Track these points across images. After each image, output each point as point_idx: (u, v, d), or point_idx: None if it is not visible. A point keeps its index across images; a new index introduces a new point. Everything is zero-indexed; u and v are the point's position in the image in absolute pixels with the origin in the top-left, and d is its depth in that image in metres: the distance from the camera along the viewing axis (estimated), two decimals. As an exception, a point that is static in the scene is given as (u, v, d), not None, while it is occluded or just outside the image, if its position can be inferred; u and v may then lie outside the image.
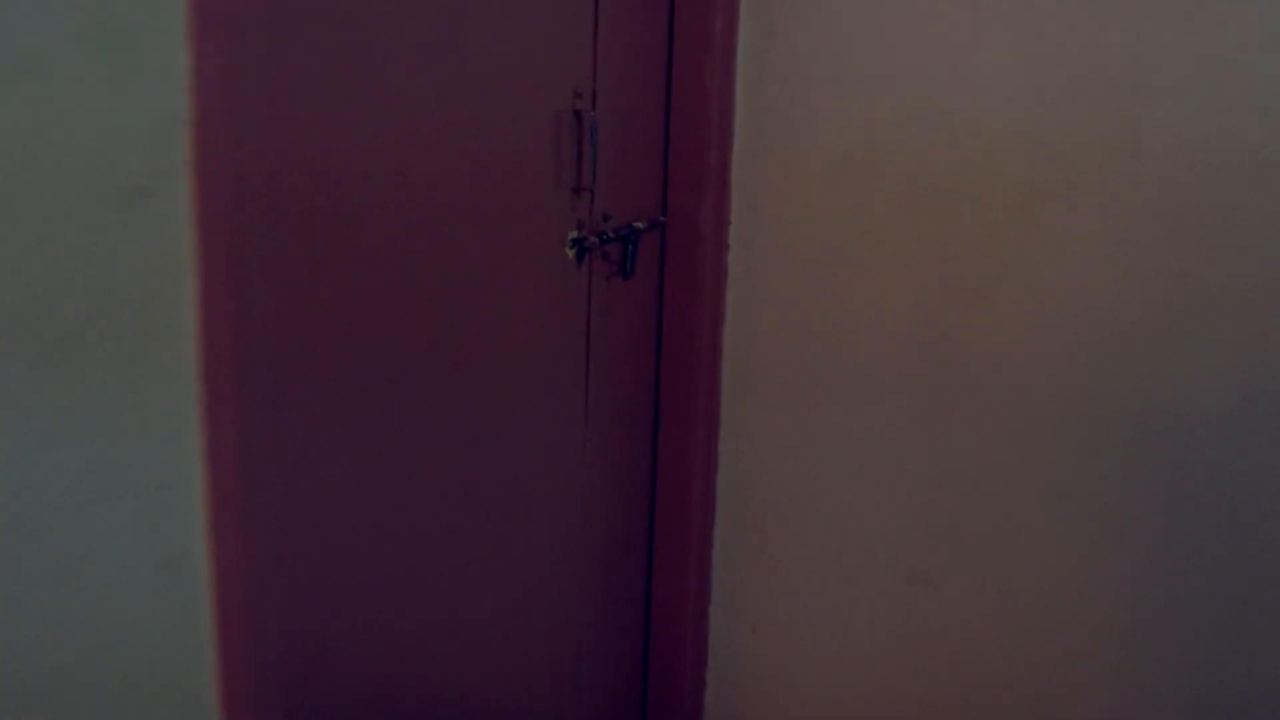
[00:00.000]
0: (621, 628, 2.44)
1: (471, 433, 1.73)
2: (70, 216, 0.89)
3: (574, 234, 1.94)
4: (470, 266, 1.66)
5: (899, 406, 2.33)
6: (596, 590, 2.27)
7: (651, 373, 2.40)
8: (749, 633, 2.58)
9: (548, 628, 2.09)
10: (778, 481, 2.47)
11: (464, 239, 1.64)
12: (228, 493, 1.09)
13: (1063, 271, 2.17)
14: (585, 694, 2.26)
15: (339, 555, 1.46)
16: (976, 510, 2.33)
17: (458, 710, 1.78)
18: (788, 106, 2.30)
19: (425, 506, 1.65)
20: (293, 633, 1.33)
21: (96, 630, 0.99)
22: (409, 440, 1.59)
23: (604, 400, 2.16)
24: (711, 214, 2.32)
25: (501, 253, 1.74)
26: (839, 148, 2.26)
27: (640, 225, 2.14)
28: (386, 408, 1.53)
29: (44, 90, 0.86)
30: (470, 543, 1.77)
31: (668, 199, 2.34)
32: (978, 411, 2.28)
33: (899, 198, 2.24)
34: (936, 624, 2.39)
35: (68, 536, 0.94)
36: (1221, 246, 2.04)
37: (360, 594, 1.51)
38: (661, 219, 2.29)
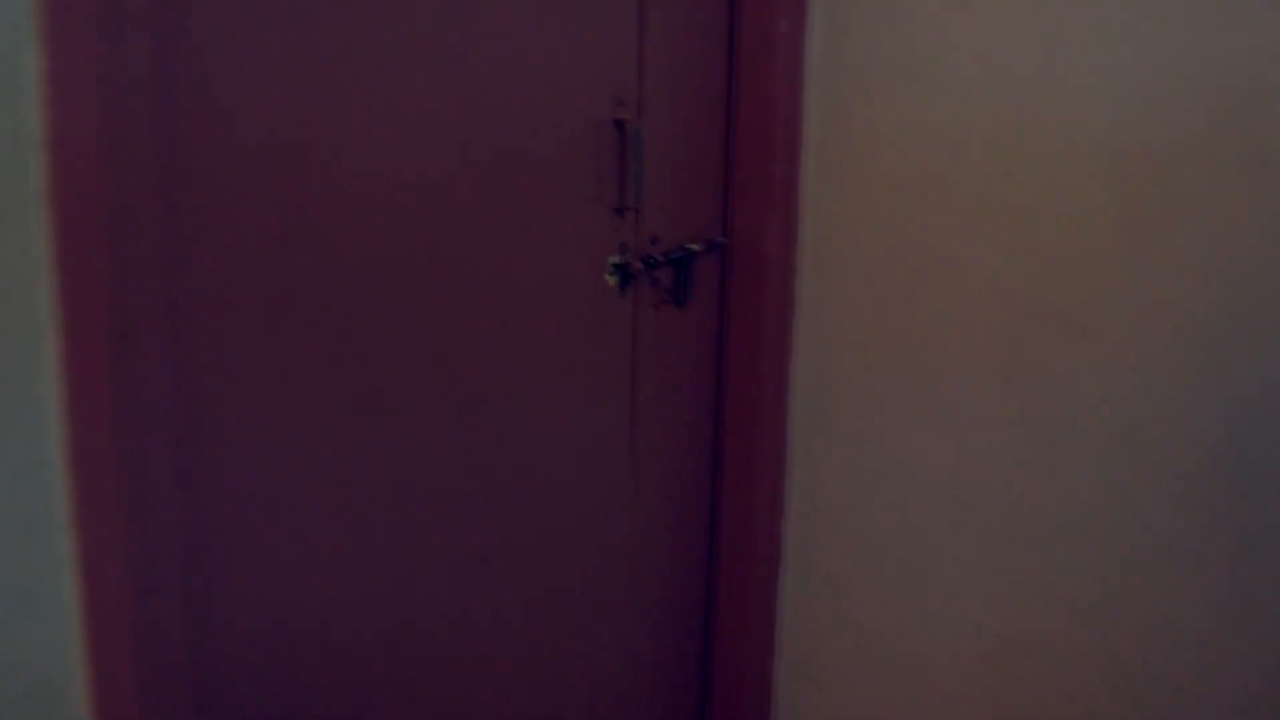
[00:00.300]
0: (676, 688, 2.23)
1: (492, 481, 1.54)
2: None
3: (615, 259, 1.74)
4: (491, 295, 1.47)
5: (986, 448, 2.09)
6: (646, 651, 2.06)
7: (710, 410, 2.19)
8: (816, 692, 2.35)
9: (592, 689, 1.89)
10: (852, 529, 2.24)
11: (482, 265, 1.45)
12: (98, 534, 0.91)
13: (1172, 300, 1.91)
14: (635, 764, 2.05)
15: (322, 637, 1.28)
16: (1075, 566, 2.07)
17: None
18: (863, 114, 2.07)
19: (436, 564, 1.46)
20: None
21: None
22: (416, 501, 1.40)
23: (652, 442, 1.95)
24: (778, 234, 2.11)
25: (528, 280, 1.55)
26: (920, 160, 2.04)
27: (695, 247, 1.94)
28: (387, 465, 1.35)
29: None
30: (494, 605, 1.58)
31: (729, 218, 2.13)
32: (1074, 455, 2.02)
33: (987, 216, 2.00)
34: (1029, 692, 2.13)
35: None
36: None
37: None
38: (722, 240, 2.08)
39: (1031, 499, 2.06)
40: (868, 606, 2.25)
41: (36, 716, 0.89)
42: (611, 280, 1.73)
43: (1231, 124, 1.82)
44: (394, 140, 1.28)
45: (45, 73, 0.79)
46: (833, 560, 2.27)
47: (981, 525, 2.12)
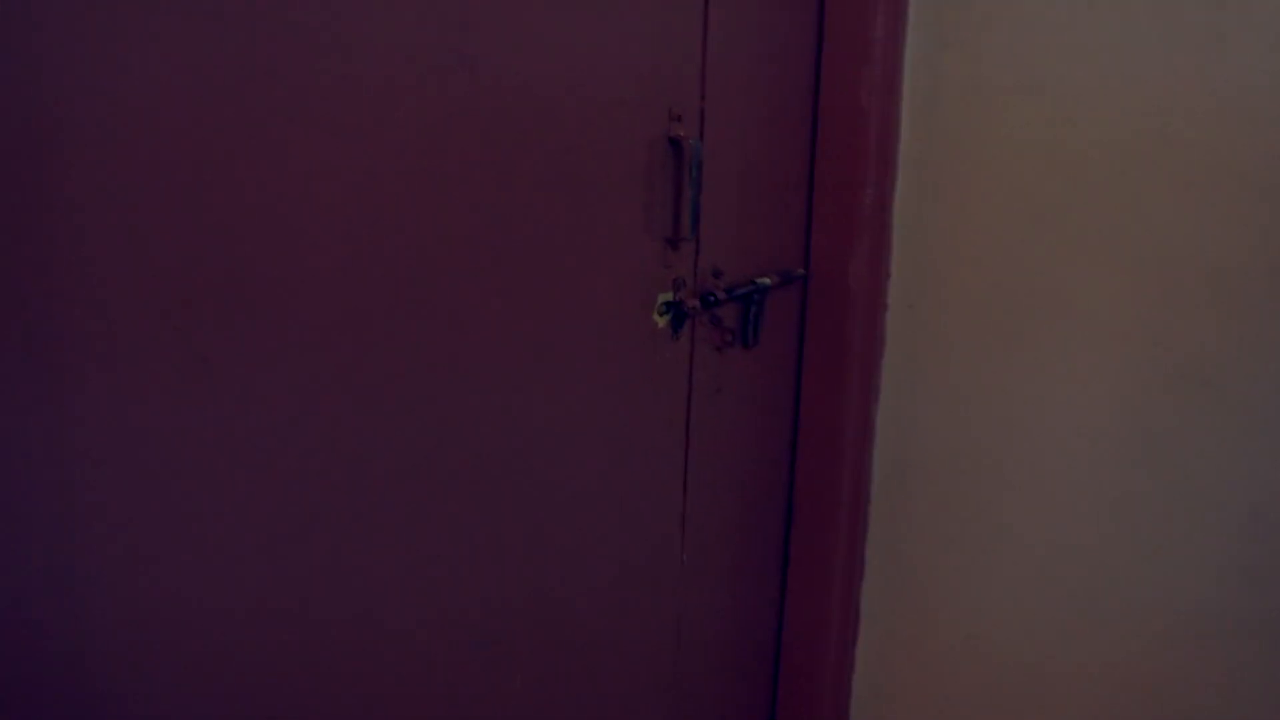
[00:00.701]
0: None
1: (513, 558, 1.32)
2: None
3: (667, 296, 1.51)
4: (513, 340, 1.25)
5: (1099, 526, 1.81)
6: (702, 731, 1.83)
7: (782, 464, 1.94)
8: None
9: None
10: (938, 601, 1.97)
11: (502, 306, 1.23)
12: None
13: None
14: None
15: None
16: (1201, 661, 1.78)
17: None
18: (967, 132, 1.81)
19: (442, 657, 1.24)
20: None
21: None
22: (433, 565, 1.19)
23: (709, 500, 1.71)
24: (866, 265, 1.85)
25: (558, 323, 1.32)
26: (1033, 185, 1.76)
27: (766, 281, 1.69)
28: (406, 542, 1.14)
29: None
30: (516, 680, 1.36)
31: (810, 247, 1.88)
32: (1206, 542, 1.73)
33: (1112, 254, 1.72)
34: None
35: None
36: None
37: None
38: (800, 272, 1.83)
39: (1152, 586, 1.78)
40: (958, 684, 1.98)
41: None
42: (661, 321, 1.50)
43: None
44: (395, 156, 1.07)
45: None
46: (915, 631, 2.00)
47: (1088, 607, 1.83)
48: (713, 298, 1.57)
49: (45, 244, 0.80)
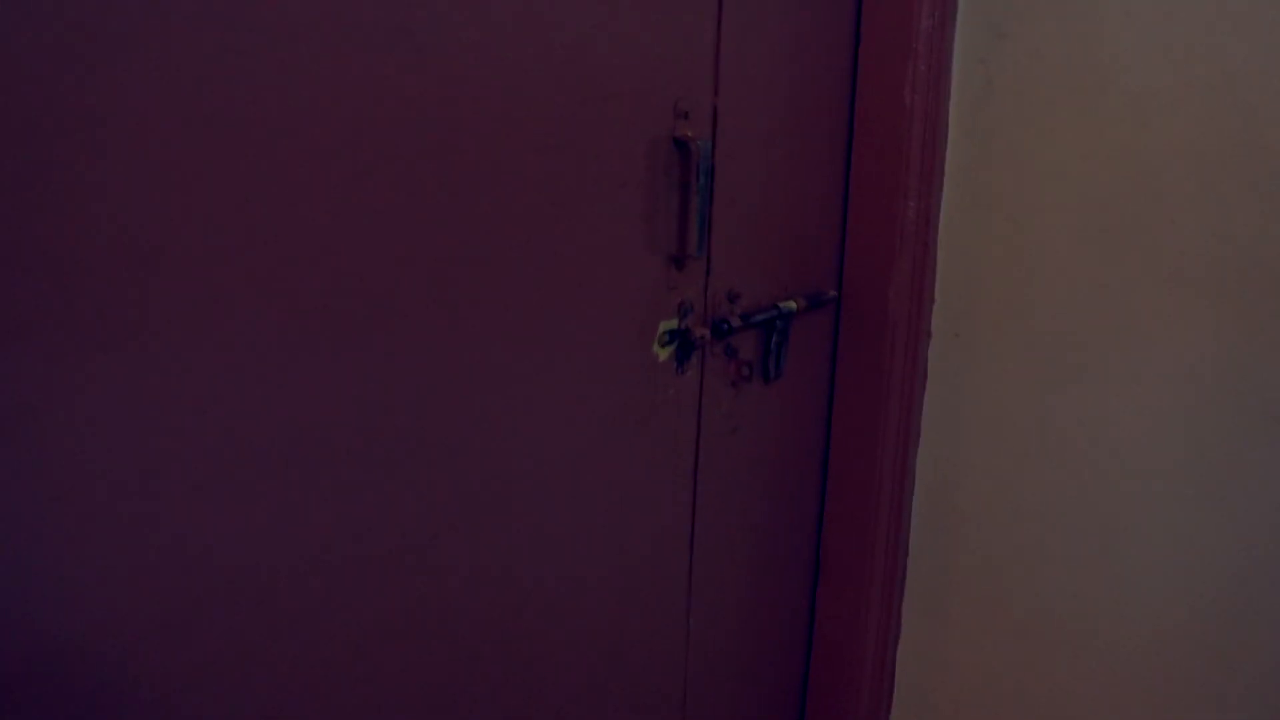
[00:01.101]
0: None
1: (494, 627, 1.10)
2: None
3: (670, 324, 1.28)
4: (486, 379, 1.03)
5: (1167, 590, 1.56)
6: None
7: (808, 514, 1.70)
8: None
9: None
10: (981, 667, 1.73)
11: (471, 338, 1.01)
12: None
13: None
14: None
15: None
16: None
17: None
18: (1025, 136, 1.57)
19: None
20: None
21: None
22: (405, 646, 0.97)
23: (720, 561, 1.48)
24: (906, 287, 1.62)
25: (539, 358, 1.10)
26: (1101, 196, 1.52)
27: (791, 306, 1.46)
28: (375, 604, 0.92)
29: None
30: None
31: (844, 266, 1.65)
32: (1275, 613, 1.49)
33: (1189, 276, 1.47)
34: None
35: None
36: None
37: None
38: (832, 294, 1.60)
39: (1232, 669, 1.53)
40: (1007, 770, 1.74)
41: None
42: (664, 353, 1.27)
43: None
44: (341, 153, 0.85)
45: None
46: (954, 701, 1.76)
47: (1152, 679, 1.59)
48: (726, 325, 1.34)
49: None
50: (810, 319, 1.58)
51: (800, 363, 1.57)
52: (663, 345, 1.27)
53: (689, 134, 1.23)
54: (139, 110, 0.72)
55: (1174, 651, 1.57)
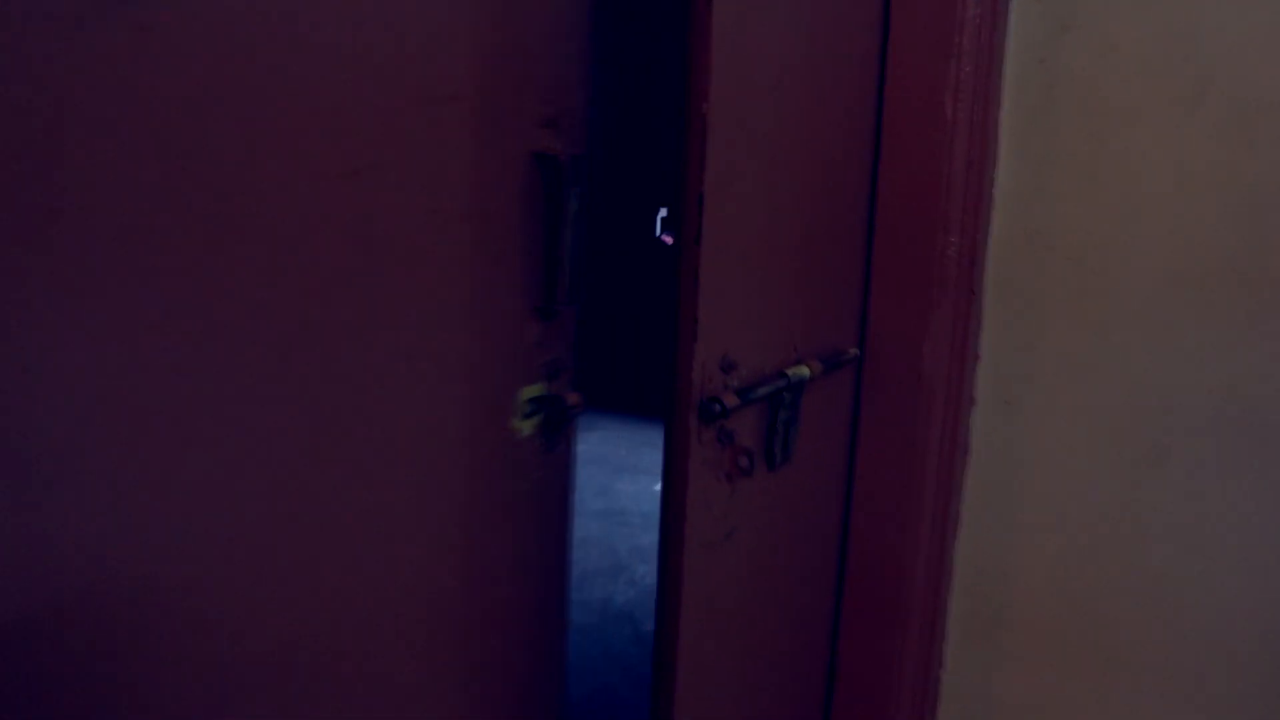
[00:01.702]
0: None
1: None
2: None
3: (535, 391, 0.95)
4: (281, 470, 0.70)
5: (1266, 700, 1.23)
6: None
7: (818, 628, 1.37)
8: None
9: None
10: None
11: (256, 420, 0.68)
12: None
13: None
14: None
15: None
16: None
17: None
18: (1094, 156, 1.24)
19: None
20: None
21: None
22: None
23: (709, 689, 1.14)
24: (945, 343, 1.28)
25: (335, 449, 0.77)
26: (1194, 235, 1.19)
27: (804, 372, 1.13)
28: None
29: None
30: None
31: (868, 317, 1.31)
32: None
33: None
34: None
35: None
36: None
37: None
38: (853, 353, 1.26)
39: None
40: None
41: None
42: (526, 426, 0.95)
43: None
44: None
45: None
46: None
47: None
48: (719, 406, 1.00)
49: None
50: (826, 383, 1.24)
51: (813, 439, 1.23)
52: (525, 418, 0.95)
53: (556, 147, 0.91)
54: None
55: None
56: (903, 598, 1.33)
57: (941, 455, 1.31)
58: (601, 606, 3.20)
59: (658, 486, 4.13)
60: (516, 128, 0.88)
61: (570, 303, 0.95)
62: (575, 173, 0.91)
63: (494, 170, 0.87)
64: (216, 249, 0.66)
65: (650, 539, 3.66)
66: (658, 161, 5.27)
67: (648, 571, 3.43)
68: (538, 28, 0.90)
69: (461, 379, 0.88)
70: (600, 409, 4.90)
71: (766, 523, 1.17)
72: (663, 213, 4.95)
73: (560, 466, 1.02)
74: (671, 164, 5.17)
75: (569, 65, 0.94)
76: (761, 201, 1.05)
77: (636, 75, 5.27)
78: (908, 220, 1.26)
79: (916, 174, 1.24)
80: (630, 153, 5.28)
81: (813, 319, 1.20)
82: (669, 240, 4.88)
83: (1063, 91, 1.25)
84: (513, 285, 0.91)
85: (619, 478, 4.15)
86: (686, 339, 0.98)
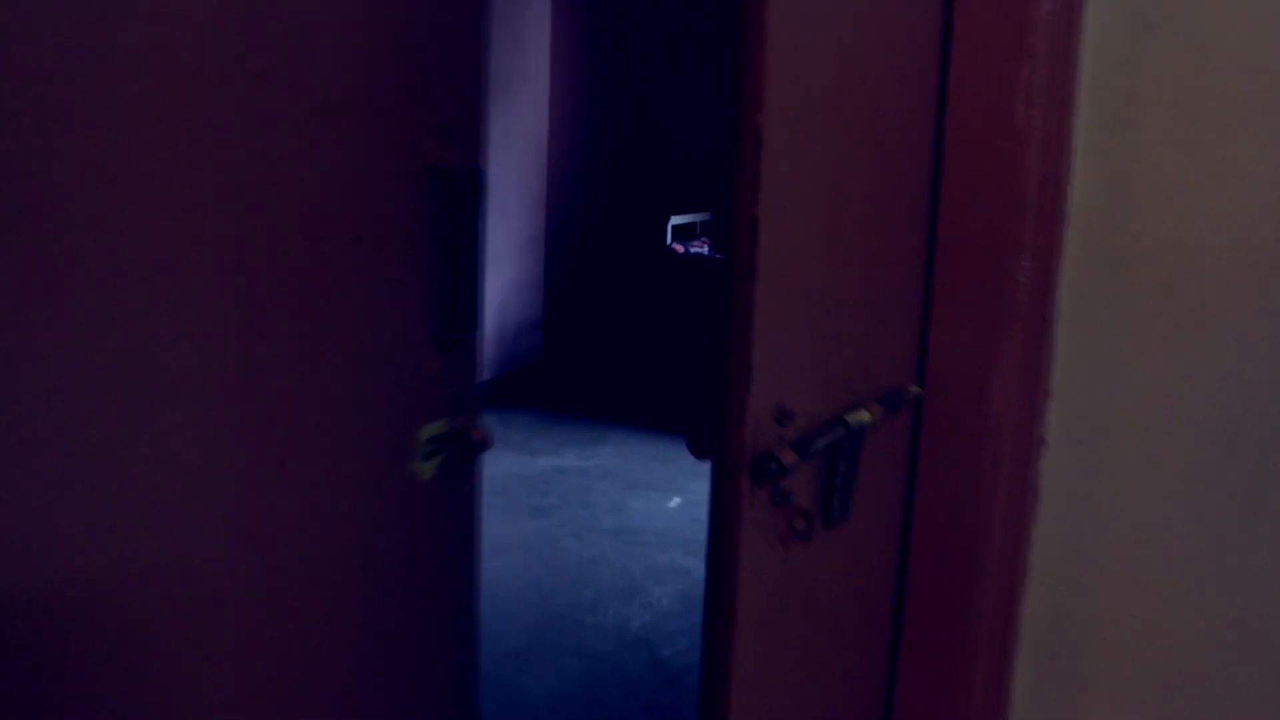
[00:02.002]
0: None
1: None
2: None
3: (436, 428, 0.83)
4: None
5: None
6: None
7: (877, 678, 1.23)
8: None
9: None
10: None
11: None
12: None
13: None
14: None
15: None
16: None
17: None
18: (1182, 172, 1.10)
19: None
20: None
21: None
22: None
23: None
24: (1015, 379, 1.14)
25: (219, 493, 0.63)
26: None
27: (864, 418, 0.98)
28: None
29: None
30: None
31: (927, 350, 1.17)
32: None
33: None
34: None
35: None
36: None
37: None
38: (913, 392, 1.12)
39: None
40: None
41: None
42: (427, 469, 0.82)
43: None
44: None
45: None
46: None
47: None
48: (775, 465, 0.86)
49: None
50: (884, 426, 1.10)
51: (870, 487, 1.09)
52: (426, 458, 0.82)
53: (453, 160, 0.78)
54: None
55: None
56: (966, 657, 1.19)
57: (1010, 501, 1.17)
58: (616, 632, 3.07)
59: (672, 503, 3.97)
60: (409, 139, 0.76)
61: (472, 330, 0.83)
62: (474, 188, 0.79)
63: (385, 187, 0.74)
64: (57, 281, 0.53)
65: (665, 558, 3.52)
66: (668, 166, 5.12)
67: (664, 593, 3.29)
68: (428, 28, 0.77)
69: (353, 419, 0.75)
70: (610, 421, 4.76)
71: (822, 587, 1.03)
72: (673, 220, 4.80)
73: (465, 508, 0.89)
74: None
75: (465, 70, 0.81)
76: (820, 225, 0.91)
77: (643, 74, 5.13)
78: (973, 241, 1.11)
79: (983, 189, 1.10)
80: (639, 157, 5.14)
81: (870, 355, 1.06)
82: (680, 249, 4.73)
83: (1146, 96, 1.10)
84: (409, 314, 0.78)
85: (631, 494, 4.01)
86: (738, 388, 0.84)
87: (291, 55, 0.66)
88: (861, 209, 0.98)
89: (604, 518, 3.83)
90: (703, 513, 3.80)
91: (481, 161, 0.82)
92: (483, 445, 0.88)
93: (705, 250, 4.79)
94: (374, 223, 0.73)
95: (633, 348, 5.02)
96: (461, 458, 0.84)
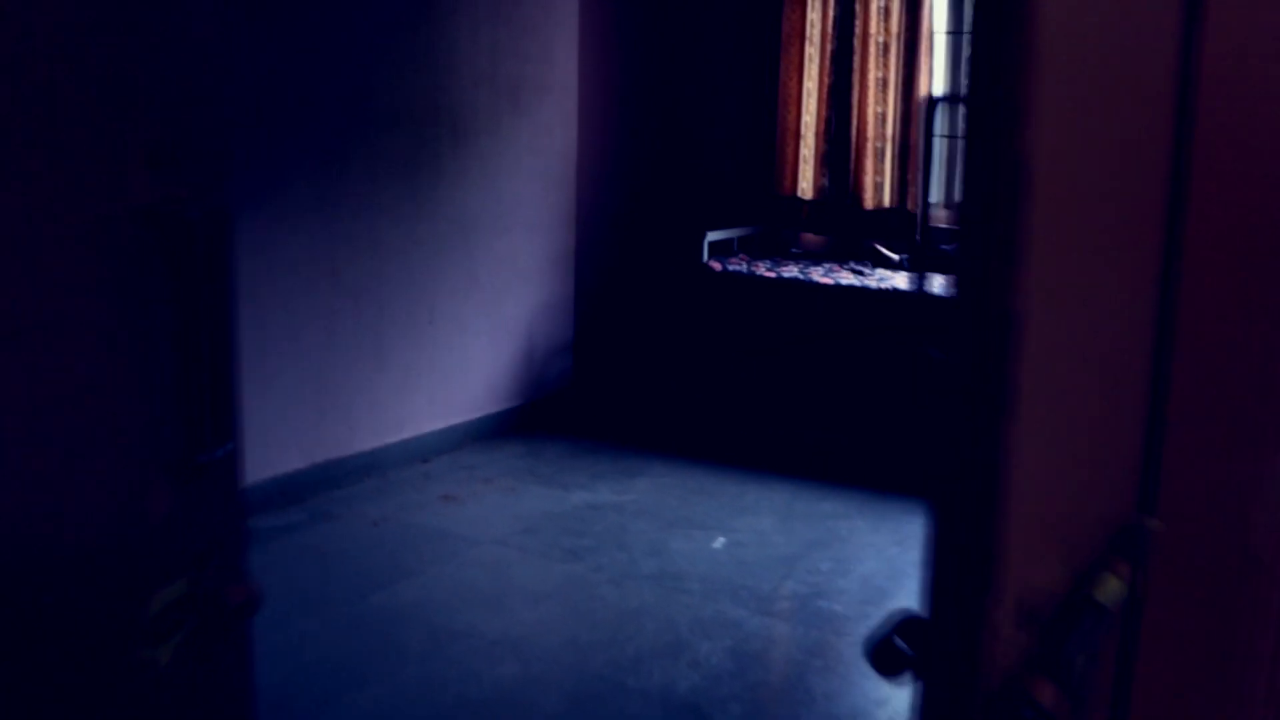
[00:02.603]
0: None
1: None
2: None
3: (174, 592, 0.56)
4: None
5: None
6: None
7: None
8: None
9: None
10: None
11: None
12: None
13: None
14: None
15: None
16: None
17: None
18: None
19: None
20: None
21: None
22: None
23: None
24: (1275, 500, 0.81)
25: None
26: None
27: (1116, 591, 0.66)
28: None
29: None
30: None
31: (1157, 470, 0.84)
32: None
33: None
34: None
35: None
36: None
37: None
38: (1154, 526, 0.80)
39: None
40: None
41: None
42: (163, 653, 0.55)
43: None
44: None
45: None
46: None
47: None
48: (1031, 714, 0.53)
49: None
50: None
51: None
52: (161, 638, 0.53)
53: (176, 197, 0.46)
54: None
55: None
56: None
57: (1275, 663, 0.84)
58: (662, 696, 2.73)
59: (716, 544, 3.61)
60: (97, 172, 0.44)
61: (228, 441, 0.52)
62: (212, 233, 0.47)
63: (59, 250, 0.42)
64: None
65: (712, 609, 3.19)
66: (703, 179, 4.79)
67: (712, 650, 2.96)
68: (148, 37, 0.45)
69: (39, 599, 0.45)
70: (646, 450, 4.43)
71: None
72: (710, 236, 4.47)
73: (229, 692, 0.58)
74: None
75: (192, 59, 0.48)
76: (1091, 318, 0.58)
77: (677, 82, 4.80)
78: (1233, 309, 0.78)
79: (1248, 241, 0.77)
80: (673, 169, 4.81)
81: (1100, 486, 0.73)
82: (717, 267, 4.40)
83: None
84: (118, 435, 0.47)
85: (672, 534, 3.67)
86: (974, 585, 0.51)
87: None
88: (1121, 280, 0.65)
89: (643, 561, 3.50)
90: (750, 554, 3.47)
91: (222, 196, 0.49)
92: (246, 608, 0.58)
93: (748, 269, 4.45)
94: (41, 307, 0.42)
95: (669, 371, 4.69)
96: (213, 629, 0.54)
